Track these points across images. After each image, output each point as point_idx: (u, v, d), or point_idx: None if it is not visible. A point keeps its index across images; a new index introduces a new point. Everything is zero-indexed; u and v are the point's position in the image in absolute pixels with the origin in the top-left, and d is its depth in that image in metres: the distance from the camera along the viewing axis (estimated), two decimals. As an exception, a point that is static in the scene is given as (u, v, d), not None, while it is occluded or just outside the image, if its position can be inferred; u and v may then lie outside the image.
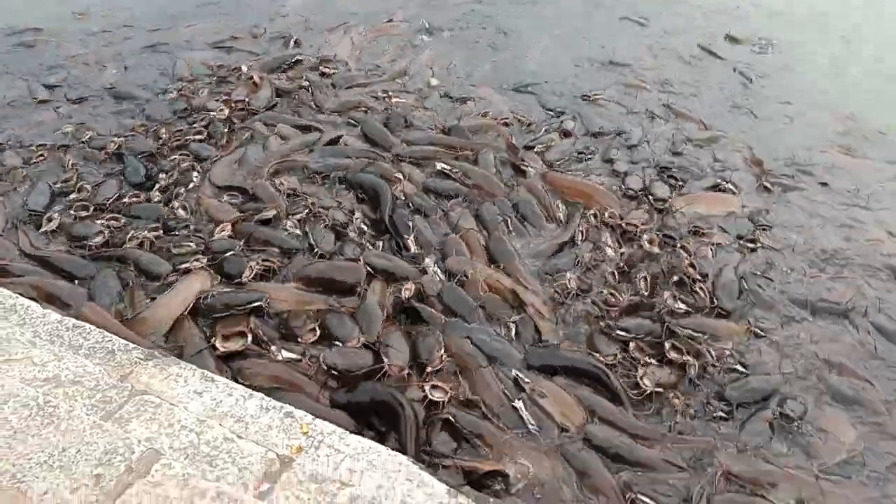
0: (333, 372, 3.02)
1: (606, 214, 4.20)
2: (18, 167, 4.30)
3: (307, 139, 4.75)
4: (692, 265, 3.83)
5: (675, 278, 3.73)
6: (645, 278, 3.73)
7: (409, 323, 3.36)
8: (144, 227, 3.80)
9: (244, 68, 5.58)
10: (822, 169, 4.99)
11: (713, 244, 4.08)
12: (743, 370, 3.25)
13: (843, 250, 4.17)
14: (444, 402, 2.89)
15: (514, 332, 3.33)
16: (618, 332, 3.35)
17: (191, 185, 4.19)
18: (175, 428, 2.30)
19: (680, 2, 7.91)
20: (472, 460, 2.70)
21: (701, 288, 3.68)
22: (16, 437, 2.13)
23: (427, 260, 3.70)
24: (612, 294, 3.59)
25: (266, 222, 3.90)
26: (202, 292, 3.31)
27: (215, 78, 5.56)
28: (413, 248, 3.77)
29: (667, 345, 3.29)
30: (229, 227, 3.81)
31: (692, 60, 6.60)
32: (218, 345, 3.07)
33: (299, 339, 3.19)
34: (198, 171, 4.33)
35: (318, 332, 3.21)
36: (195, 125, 4.79)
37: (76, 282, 3.45)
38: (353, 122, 5.02)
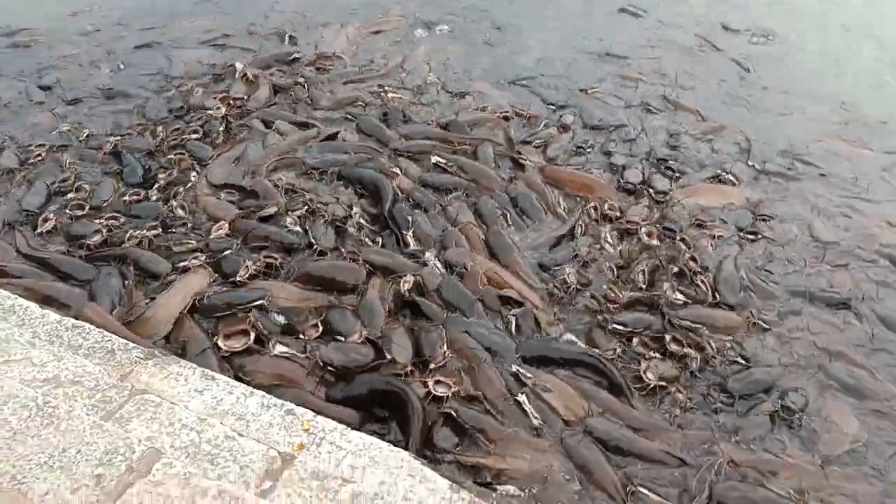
0: (330, 368, 3.01)
1: (606, 207, 4.18)
2: (15, 168, 4.28)
3: (306, 135, 4.73)
4: (693, 258, 3.81)
5: (675, 269, 3.72)
6: (643, 271, 3.71)
7: (412, 318, 3.35)
8: (143, 226, 3.78)
9: (239, 66, 5.54)
10: (821, 159, 4.96)
11: (714, 236, 4.07)
12: (744, 362, 3.25)
13: (843, 240, 4.16)
14: (447, 396, 2.89)
15: (514, 326, 3.32)
16: (614, 325, 3.34)
17: (189, 185, 4.18)
18: (176, 427, 2.29)
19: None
20: (475, 456, 2.70)
21: (702, 281, 3.67)
22: (16, 438, 2.12)
23: (427, 254, 3.69)
24: (610, 289, 3.58)
25: (266, 219, 3.89)
26: (198, 293, 3.30)
27: (211, 76, 5.53)
28: (412, 243, 3.76)
29: (667, 337, 3.29)
30: (227, 224, 3.80)
31: (690, 51, 6.56)
32: (220, 344, 3.07)
33: (301, 335, 3.18)
34: (196, 170, 4.31)
35: (321, 328, 3.20)
36: (192, 124, 4.76)
37: (71, 282, 3.43)
38: (350, 117, 5.00)
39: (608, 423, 2.90)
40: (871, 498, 2.70)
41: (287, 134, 4.75)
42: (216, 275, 3.47)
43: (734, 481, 2.70)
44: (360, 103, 5.16)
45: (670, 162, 4.73)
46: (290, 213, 3.91)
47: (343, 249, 3.68)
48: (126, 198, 4.04)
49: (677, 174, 4.63)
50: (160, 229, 3.79)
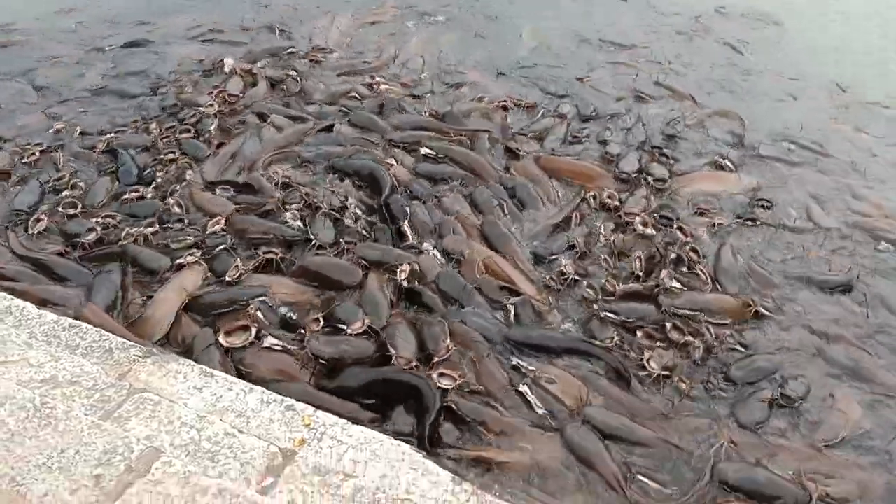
0: (322, 361, 3.00)
1: (605, 195, 4.16)
2: (10, 167, 4.25)
3: (302, 128, 4.70)
4: (694, 250, 3.76)
5: (673, 256, 3.69)
6: (639, 258, 3.69)
7: (413, 308, 3.35)
8: (140, 224, 3.75)
9: (230, 60, 5.49)
10: (819, 143, 4.93)
11: (713, 223, 4.04)
12: (743, 349, 3.23)
13: (842, 224, 4.13)
14: (451, 389, 2.88)
15: (512, 315, 3.31)
16: (606, 314, 3.32)
17: (184, 182, 4.14)
18: (175, 425, 2.28)
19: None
20: (478, 448, 2.69)
21: (702, 270, 3.64)
22: (14, 439, 2.10)
23: (426, 244, 3.68)
24: (608, 281, 3.54)
25: (264, 214, 3.86)
26: (192, 294, 3.29)
27: (202, 72, 5.48)
28: (409, 234, 3.74)
29: (668, 325, 3.27)
30: (222, 220, 3.78)
31: (687, 37, 6.52)
32: (221, 340, 3.06)
33: (304, 329, 3.16)
34: (191, 167, 4.28)
35: (322, 322, 3.18)
36: (185, 121, 4.72)
37: (66, 285, 3.41)
38: (345, 109, 4.97)
39: (607, 412, 2.88)
40: (873, 483, 2.70)
41: (283, 128, 4.72)
42: (210, 273, 3.45)
43: (734, 462, 2.70)
44: (354, 95, 5.12)
45: (665, 150, 4.69)
46: (286, 206, 3.88)
47: (342, 241, 3.65)
48: (126, 195, 4.01)
49: (671, 161, 4.58)
50: (158, 226, 3.76)
